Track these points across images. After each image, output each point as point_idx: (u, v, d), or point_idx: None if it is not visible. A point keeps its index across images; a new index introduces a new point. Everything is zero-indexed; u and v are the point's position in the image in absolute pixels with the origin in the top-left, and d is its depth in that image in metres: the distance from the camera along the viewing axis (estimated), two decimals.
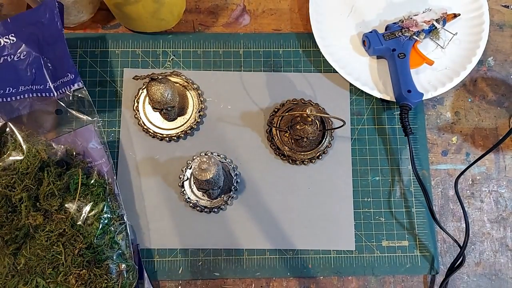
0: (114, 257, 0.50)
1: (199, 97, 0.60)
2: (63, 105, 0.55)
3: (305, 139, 0.56)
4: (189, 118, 0.59)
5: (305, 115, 0.52)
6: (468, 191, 0.60)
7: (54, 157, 0.51)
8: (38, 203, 0.50)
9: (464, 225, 0.57)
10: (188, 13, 0.64)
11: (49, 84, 0.53)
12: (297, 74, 0.62)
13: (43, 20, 0.53)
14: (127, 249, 0.52)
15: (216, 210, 0.57)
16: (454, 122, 0.62)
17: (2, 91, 0.53)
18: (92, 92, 0.60)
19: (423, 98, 0.58)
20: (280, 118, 0.59)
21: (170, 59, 0.62)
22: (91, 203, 0.50)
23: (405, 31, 0.60)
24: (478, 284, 0.57)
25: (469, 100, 0.63)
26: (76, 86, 0.53)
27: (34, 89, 0.53)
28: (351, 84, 0.62)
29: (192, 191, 0.57)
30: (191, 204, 0.56)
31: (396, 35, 0.60)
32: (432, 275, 0.57)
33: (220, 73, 0.62)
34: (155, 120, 0.59)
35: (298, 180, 0.59)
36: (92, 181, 0.52)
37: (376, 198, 0.59)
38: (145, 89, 0.58)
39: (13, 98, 0.53)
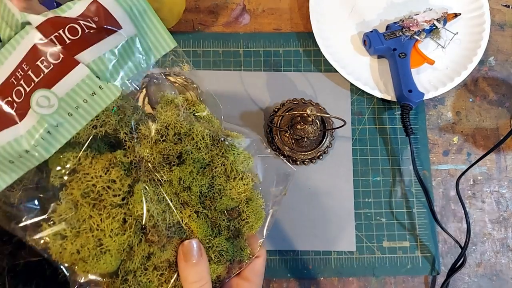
0: None
1: (199, 97, 0.59)
2: None
3: (305, 139, 0.55)
4: None
5: (305, 115, 0.52)
6: (469, 192, 0.60)
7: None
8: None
9: (465, 226, 0.57)
10: (188, 13, 0.64)
11: None
12: (297, 74, 0.62)
13: None
14: None
15: None
16: (455, 122, 0.62)
17: None
18: None
19: (424, 98, 0.58)
20: (280, 118, 0.59)
21: (169, 59, 0.62)
22: None
23: (406, 30, 0.60)
24: (479, 285, 0.57)
25: (470, 100, 0.63)
26: None
27: None
28: (351, 84, 0.61)
29: None
30: None
31: (397, 35, 0.60)
32: (433, 276, 0.57)
33: (220, 72, 0.62)
34: None
35: (299, 180, 0.58)
36: None
37: (377, 199, 0.58)
38: (144, 89, 0.58)
39: None
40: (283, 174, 0.44)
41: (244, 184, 0.39)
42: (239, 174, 0.39)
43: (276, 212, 0.43)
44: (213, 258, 0.38)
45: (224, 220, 0.40)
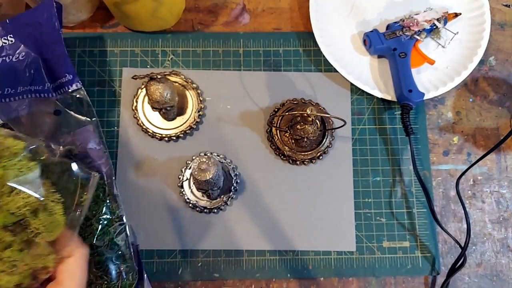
0: (114, 258, 0.50)
1: (199, 97, 0.59)
2: (62, 105, 0.54)
3: (305, 139, 0.55)
4: (189, 118, 0.58)
5: (305, 114, 0.52)
6: (469, 192, 0.60)
7: (53, 158, 0.51)
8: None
9: (465, 226, 0.57)
10: (188, 12, 0.64)
11: (48, 84, 0.53)
12: (297, 74, 0.62)
13: (40, 21, 0.53)
14: (127, 250, 0.52)
15: (215, 210, 0.56)
16: (455, 122, 0.62)
17: (0, 92, 0.52)
18: (91, 92, 0.60)
19: (424, 98, 0.58)
20: (280, 118, 0.59)
21: (169, 59, 0.62)
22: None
23: (406, 30, 0.60)
24: (479, 285, 0.57)
25: (470, 99, 0.63)
26: (74, 87, 0.53)
27: (32, 89, 0.52)
28: (351, 84, 0.61)
29: (191, 191, 0.56)
30: (190, 205, 0.56)
31: (397, 34, 0.60)
32: (433, 276, 0.57)
33: (219, 72, 0.62)
34: (154, 120, 0.58)
35: (298, 181, 0.58)
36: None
37: (377, 199, 0.58)
38: (144, 88, 0.58)
39: (12, 99, 0.52)
40: (82, 177, 0.42)
41: (23, 198, 0.36)
42: (14, 189, 0.36)
43: (81, 216, 0.41)
44: (6, 270, 0.36)
45: (8, 235, 0.36)
